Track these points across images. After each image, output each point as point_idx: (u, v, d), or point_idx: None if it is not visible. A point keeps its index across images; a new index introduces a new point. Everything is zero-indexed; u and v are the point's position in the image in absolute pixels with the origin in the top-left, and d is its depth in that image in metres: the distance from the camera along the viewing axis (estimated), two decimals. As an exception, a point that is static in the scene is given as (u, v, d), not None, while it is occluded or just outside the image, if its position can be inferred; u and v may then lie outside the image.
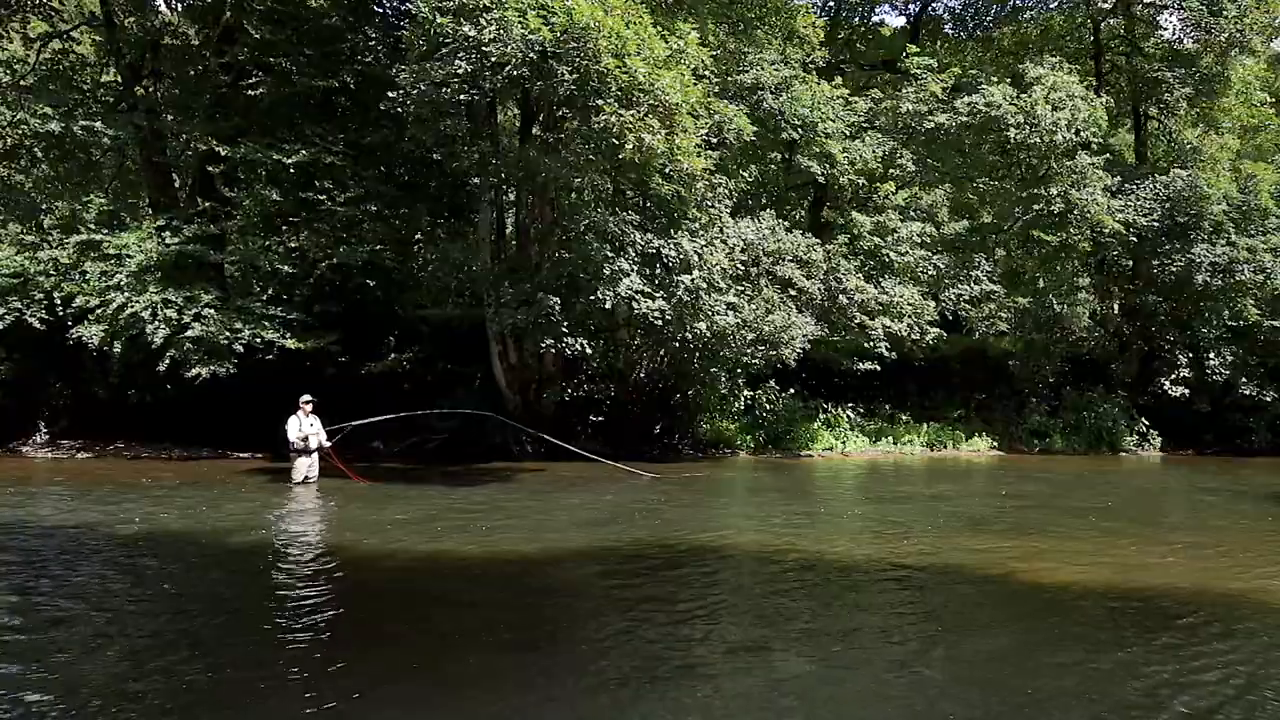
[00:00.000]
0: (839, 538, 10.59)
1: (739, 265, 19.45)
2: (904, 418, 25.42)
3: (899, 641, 6.22)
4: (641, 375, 20.36)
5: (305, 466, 14.17)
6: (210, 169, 18.24)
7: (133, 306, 16.56)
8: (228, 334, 16.64)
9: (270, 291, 18.06)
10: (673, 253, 16.83)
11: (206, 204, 18.28)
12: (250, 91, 18.16)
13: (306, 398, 14.56)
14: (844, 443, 23.65)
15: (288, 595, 7.19)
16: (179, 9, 21.02)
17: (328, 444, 14.53)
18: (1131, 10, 29.30)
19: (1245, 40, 26.99)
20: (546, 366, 19.30)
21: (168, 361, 16.45)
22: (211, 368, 16.43)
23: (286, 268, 17.71)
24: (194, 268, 17.66)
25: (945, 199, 29.09)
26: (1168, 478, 20.17)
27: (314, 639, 6.03)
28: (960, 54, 32.01)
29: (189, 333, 16.41)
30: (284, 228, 17.88)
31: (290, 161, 16.75)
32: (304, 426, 14.23)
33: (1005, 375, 27.44)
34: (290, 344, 17.11)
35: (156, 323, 16.46)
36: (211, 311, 16.84)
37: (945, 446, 24.81)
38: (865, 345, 23.36)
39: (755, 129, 19.85)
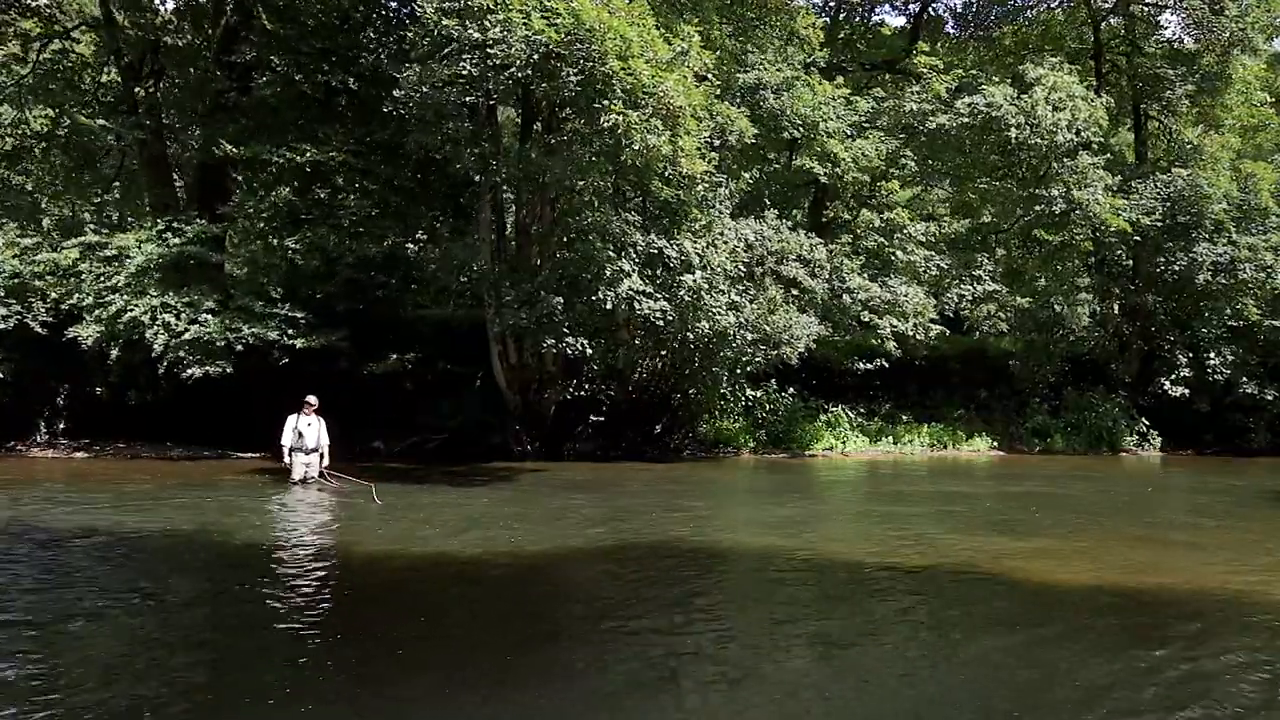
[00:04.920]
0: (841, 538, 10.59)
1: (741, 265, 19.46)
2: (904, 418, 25.43)
3: (903, 642, 6.21)
4: (642, 375, 20.36)
5: (303, 465, 14.13)
6: (214, 168, 18.22)
7: (132, 310, 16.52)
8: (228, 335, 16.59)
9: (275, 291, 18.03)
10: (674, 253, 16.82)
11: (221, 206, 18.25)
12: (252, 93, 18.15)
13: (310, 398, 14.50)
14: (845, 443, 23.67)
15: (288, 596, 7.18)
16: (179, 8, 20.99)
17: (326, 446, 14.40)
18: (1132, 10, 29.29)
19: (1246, 39, 26.98)
20: (547, 366, 19.30)
21: (166, 365, 16.43)
22: (206, 368, 16.36)
23: (299, 258, 17.64)
24: (195, 269, 17.64)
25: (946, 199, 29.11)
26: (1169, 477, 20.18)
27: (315, 639, 6.01)
28: (961, 54, 32.00)
29: (185, 335, 16.37)
30: (301, 222, 17.83)
31: (302, 161, 16.68)
32: (300, 425, 14.16)
33: (1005, 375, 27.45)
34: (300, 343, 17.06)
35: (156, 327, 16.42)
36: (209, 316, 16.77)
37: (946, 446, 24.82)
38: (872, 343, 23.41)
39: (756, 129, 19.85)
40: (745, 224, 20.48)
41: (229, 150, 17.09)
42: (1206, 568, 8.84)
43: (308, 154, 16.73)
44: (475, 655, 5.79)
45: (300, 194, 18.07)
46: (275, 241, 17.93)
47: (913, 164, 24.73)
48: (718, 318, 17.86)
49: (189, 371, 16.39)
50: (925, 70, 24.68)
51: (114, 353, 16.76)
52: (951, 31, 34.06)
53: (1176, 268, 25.16)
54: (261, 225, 18.23)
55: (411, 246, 18.65)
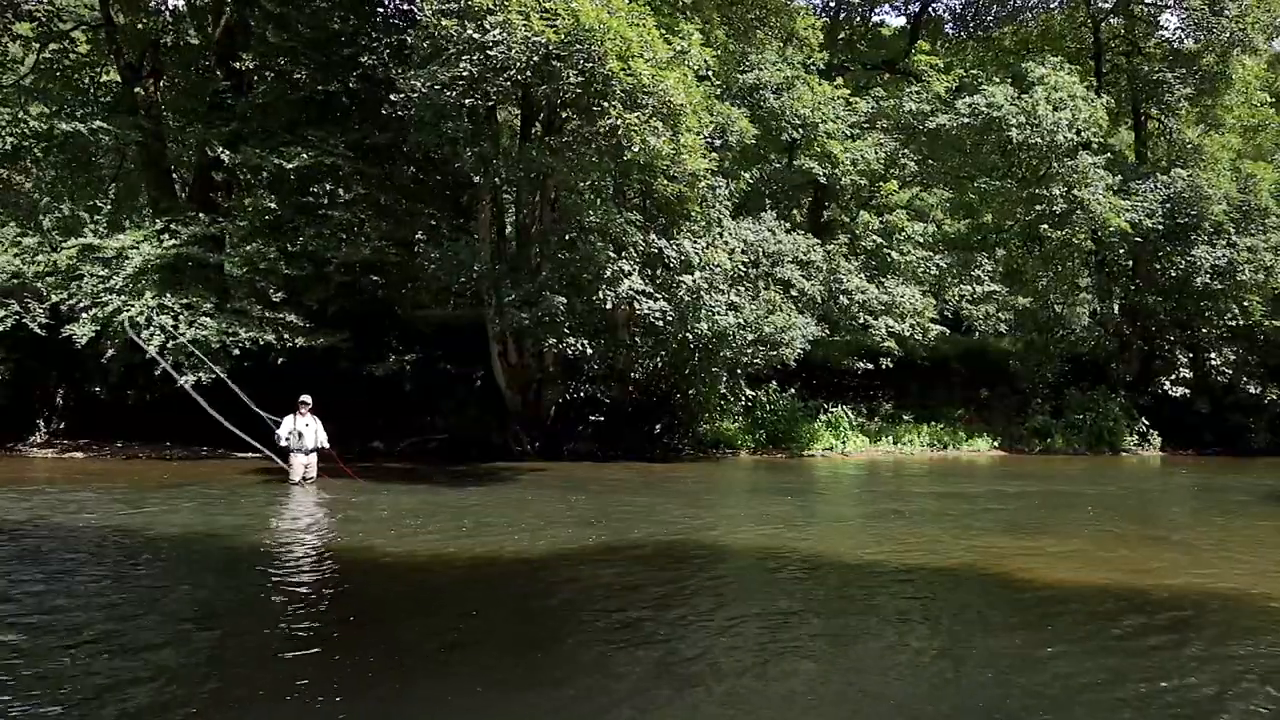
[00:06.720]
0: (841, 538, 10.57)
1: (740, 266, 19.46)
2: (905, 418, 25.42)
3: (903, 642, 6.20)
4: (642, 375, 20.35)
5: (302, 466, 14.14)
6: (213, 173, 18.18)
7: (127, 311, 16.46)
8: (224, 338, 16.53)
9: (274, 293, 17.99)
10: (674, 253, 16.81)
11: (216, 209, 18.20)
12: (251, 94, 18.10)
13: (304, 398, 14.52)
14: (845, 443, 23.64)
15: (286, 597, 7.16)
16: (179, 7, 20.96)
17: (327, 444, 14.46)
18: (1131, 10, 29.29)
19: (1246, 39, 26.99)
20: (547, 366, 19.29)
21: (163, 367, 16.39)
22: (200, 375, 16.29)
23: (290, 270, 17.60)
24: (192, 270, 17.58)
25: (946, 199, 29.12)
26: (1177, 478, 20.15)
27: (314, 641, 6.00)
28: (961, 54, 32.05)
29: (181, 338, 16.31)
30: (288, 229, 17.83)
31: (291, 167, 16.61)
32: (298, 425, 14.18)
33: (1006, 375, 27.47)
34: (299, 343, 17.01)
35: (152, 329, 16.36)
36: (206, 318, 16.71)
37: (946, 446, 24.79)
38: (872, 344, 23.40)
39: (756, 129, 19.84)
40: (744, 224, 20.48)
41: (225, 154, 17.05)
42: (1210, 569, 8.81)
43: (301, 158, 16.63)
44: (479, 655, 5.78)
45: (298, 195, 18.02)
46: (272, 245, 17.88)
47: (912, 164, 24.73)
48: (717, 318, 17.85)
49: (183, 378, 16.28)
50: (925, 70, 24.68)
51: (110, 352, 16.72)
52: (951, 31, 34.08)
53: (1173, 275, 25.21)
54: (259, 226, 18.17)
55: (416, 246, 18.63)
